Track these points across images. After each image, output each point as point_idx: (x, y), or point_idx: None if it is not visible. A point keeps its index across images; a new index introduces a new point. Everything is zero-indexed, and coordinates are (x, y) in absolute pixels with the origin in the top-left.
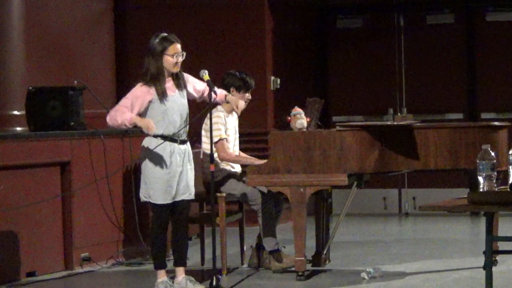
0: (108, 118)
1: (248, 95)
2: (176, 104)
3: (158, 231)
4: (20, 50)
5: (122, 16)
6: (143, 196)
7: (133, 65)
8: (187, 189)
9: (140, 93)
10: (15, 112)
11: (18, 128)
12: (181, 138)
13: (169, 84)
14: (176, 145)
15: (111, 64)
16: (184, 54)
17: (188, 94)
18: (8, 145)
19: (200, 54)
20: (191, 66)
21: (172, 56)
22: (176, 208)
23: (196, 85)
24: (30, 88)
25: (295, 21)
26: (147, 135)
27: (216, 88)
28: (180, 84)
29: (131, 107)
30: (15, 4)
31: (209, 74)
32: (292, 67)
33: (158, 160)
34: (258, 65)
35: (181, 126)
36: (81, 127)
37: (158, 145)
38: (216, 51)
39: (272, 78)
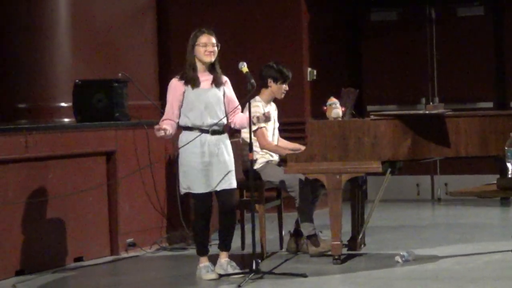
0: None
1: (285, 87)
2: (211, 97)
3: (199, 220)
4: (67, 45)
5: (164, 10)
6: (182, 189)
7: (176, 58)
8: (227, 179)
9: (173, 89)
10: (63, 104)
11: (66, 120)
12: (212, 129)
13: (208, 80)
14: (207, 135)
15: (154, 57)
16: (219, 45)
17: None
18: (56, 136)
19: (239, 46)
20: (230, 58)
21: (201, 45)
22: (219, 198)
23: (230, 97)
24: (77, 81)
25: (331, 14)
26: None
27: (240, 115)
28: (218, 83)
29: (173, 106)
30: (62, 1)
31: (247, 66)
32: (328, 58)
33: (190, 150)
34: (295, 57)
35: (213, 118)
36: (125, 118)
37: (188, 136)
38: (254, 43)
39: (309, 69)
